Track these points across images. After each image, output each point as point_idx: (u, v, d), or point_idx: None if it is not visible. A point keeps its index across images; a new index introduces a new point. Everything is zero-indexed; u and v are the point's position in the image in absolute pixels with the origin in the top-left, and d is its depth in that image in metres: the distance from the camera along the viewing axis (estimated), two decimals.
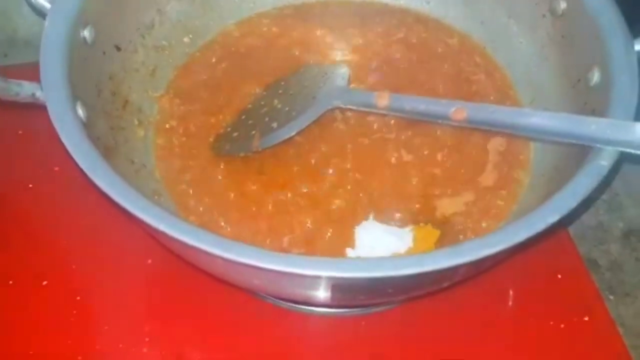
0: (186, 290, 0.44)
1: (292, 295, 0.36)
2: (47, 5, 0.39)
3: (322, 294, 0.32)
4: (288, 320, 0.44)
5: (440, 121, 0.39)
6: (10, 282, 0.45)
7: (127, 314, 0.44)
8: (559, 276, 0.46)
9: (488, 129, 0.37)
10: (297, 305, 0.42)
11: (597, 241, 0.57)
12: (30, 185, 0.50)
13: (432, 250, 0.33)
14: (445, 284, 0.35)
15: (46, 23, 0.38)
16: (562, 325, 0.43)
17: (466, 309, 0.44)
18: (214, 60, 0.49)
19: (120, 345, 0.42)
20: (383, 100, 0.40)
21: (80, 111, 0.36)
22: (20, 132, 0.53)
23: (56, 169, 0.51)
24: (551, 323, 0.43)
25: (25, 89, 0.34)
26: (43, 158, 0.51)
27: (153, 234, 0.34)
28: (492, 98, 0.46)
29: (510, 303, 0.45)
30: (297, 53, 0.50)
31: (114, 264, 0.46)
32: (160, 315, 0.44)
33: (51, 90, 0.34)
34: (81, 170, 0.33)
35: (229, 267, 0.31)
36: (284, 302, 0.42)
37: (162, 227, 0.29)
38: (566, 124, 0.35)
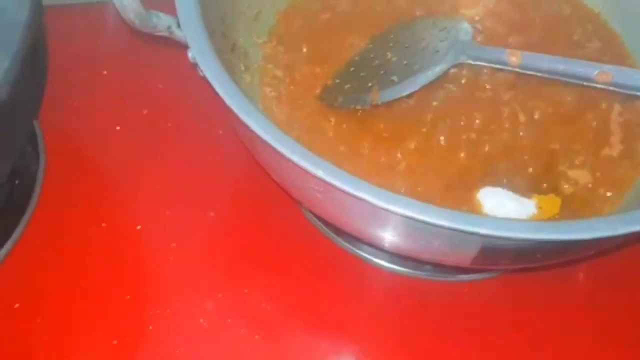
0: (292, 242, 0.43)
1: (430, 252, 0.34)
2: None
3: (470, 253, 0.30)
4: (371, 276, 0.43)
5: (577, 81, 0.37)
6: (103, 224, 0.44)
7: (224, 263, 0.43)
8: None
9: (632, 94, 0.35)
10: (382, 262, 0.42)
11: None
12: (118, 128, 0.48)
13: (600, 217, 0.32)
14: (590, 253, 0.34)
15: None
16: None
17: (564, 285, 0.43)
18: (315, 7, 0.47)
19: (219, 295, 0.41)
20: (515, 57, 0.38)
21: None
22: (104, 72, 0.51)
23: (145, 111, 0.49)
24: None
25: (162, 21, 0.32)
26: (131, 101, 0.49)
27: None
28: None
29: (611, 284, 0.44)
30: (402, 5, 0.47)
31: (204, 211, 0.45)
32: (262, 266, 0.43)
33: (189, 24, 0.33)
34: (227, 107, 0.31)
35: (384, 220, 0.30)
36: (369, 256, 0.42)
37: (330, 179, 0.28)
38: None
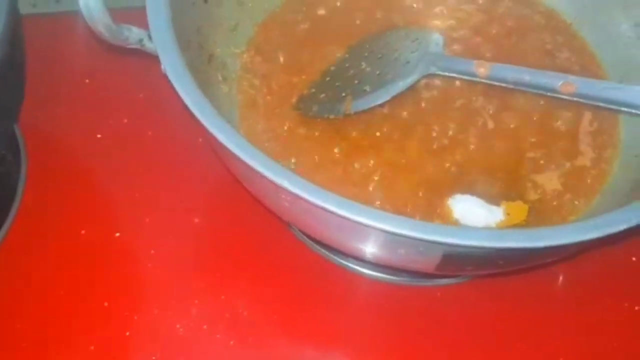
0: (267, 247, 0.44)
1: (395, 260, 0.35)
2: None
3: (432, 261, 0.31)
4: (353, 283, 0.44)
5: (543, 92, 0.38)
6: (83, 231, 0.44)
7: (203, 269, 0.44)
8: (634, 259, 0.45)
9: (595, 105, 0.36)
10: (363, 270, 0.43)
11: None
12: (99, 136, 0.49)
13: (563, 225, 0.32)
14: (551, 260, 0.35)
15: None
16: (637, 308, 0.43)
17: (538, 287, 0.44)
18: (293, 18, 0.48)
19: (196, 301, 0.42)
20: (483, 69, 0.39)
21: None
22: (87, 81, 0.52)
23: (125, 120, 0.50)
24: (626, 305, 0.43)
25: (134, 35, 0.33)
26: (112, 109, 0.50)
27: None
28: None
29: (584, 284, 0.45)
30: (379, 15, 0.48)
31: (184, 218, 0.45)
32: (234, 274, 0.44)
33: (160, 38, 0.33)
34: (198, 121, 0.31)
35: (345, 228, 0.30)
36: (349, 264, 0.43)
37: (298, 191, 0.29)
38: None
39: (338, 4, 0.49)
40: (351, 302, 0.44)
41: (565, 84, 0.36)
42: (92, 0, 0.30)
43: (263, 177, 0.30)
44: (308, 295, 0.43)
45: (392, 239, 0.29)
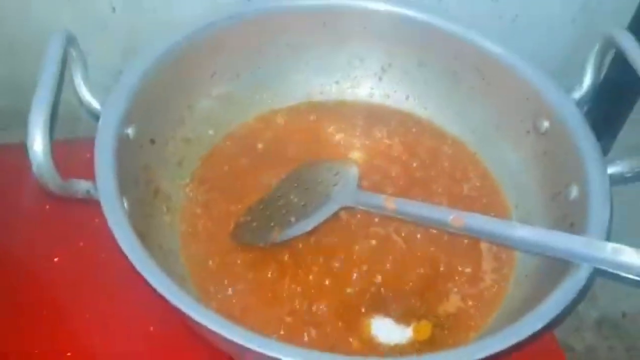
0: None
1: None
2: (98, 107, 0.44)
3: None
4: None
5: (439, 226, 0.44)
6: (36, 351, 0.48)
7: None
8: None
9: (480, 237, 0.43)
10: None
11: (573, 328, 0.62)
12: (56, 259, 0.53)
13: (440, 352, 0.37)
14: None
15: (99, 124, 0.43)
16: None
17: None
18: (234, 151, 0.54)
19: None
20: (390, 203, 0.45)
21: (125, 204, 0.41)
22: (47, 207, 0.57)
23: (81, 244, 0.54)
24: None
25: (81, 187, 0.39)
26: (69, 234, 0.55)
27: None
28: (484, 201, 0.52)
29: None
30: (309, 148, 0.55)
31: (141, 339, 0.48)
32: None
33: (104, 189, 0.39)
34: (129, 262, 0.37)
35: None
36: None
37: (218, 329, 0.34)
38: (547, 239, 0.40)
39: (275, 137, 0.56)
40: None
41: (454, 218, 0.42)
42: (43, 163, 0.35)
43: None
44: None
45: None
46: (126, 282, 0.51)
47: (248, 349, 0.34)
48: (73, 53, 0.41)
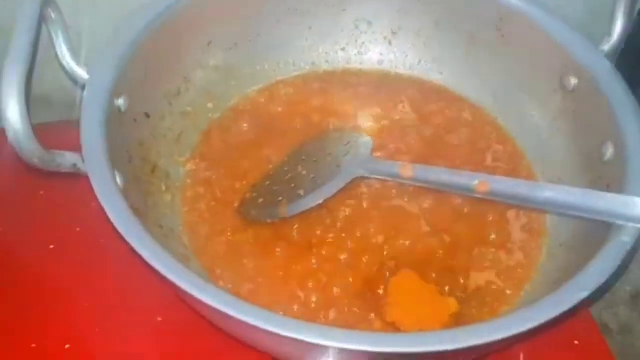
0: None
1: None
2: (85, 76, 0.41)
3: None
4: None
5: (462, 192, 0.40)
6: (33, 345, 0.45)
7: None
8: (576, 342, 0.46)
9: (508, 202, 0.39)
10: None
11: (606, 304, 0.58)
12: (52, 247, 0.50)
13: (466, 326, 0.34)
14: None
15: (85, 93, 0.39)
16: None
17: None
18: (236, 125, 0.51)
19: None
20: (407, 170, 0.41)
21: (118, 179, 0.37)
22: (41, 192, 0.53)
23: (78, 229, 0.51)
24: None
25: (67, 160, 0.35)
26: (65, 219, 0.52)
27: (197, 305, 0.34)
28: (505, 168, 0.48)
29: None
30: (316, 119, 0.51)
31: (148, 330, 0.45)
32: None
33: (93, 162, 0.36)
34: (124, 240, 0.33)
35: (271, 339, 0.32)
36: None
37: (217, 306, 0.30)
38: (580, 199, 0.36)
39: (279, 109, 0.52)
40: None
41: (480, 182, 0.38)
42: (20, 129, 0.31)
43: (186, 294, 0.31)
44: None
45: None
46: (128, 269, 0.49)
47: (271, 333, 0.30)
48: (52, 15, 0.37)
